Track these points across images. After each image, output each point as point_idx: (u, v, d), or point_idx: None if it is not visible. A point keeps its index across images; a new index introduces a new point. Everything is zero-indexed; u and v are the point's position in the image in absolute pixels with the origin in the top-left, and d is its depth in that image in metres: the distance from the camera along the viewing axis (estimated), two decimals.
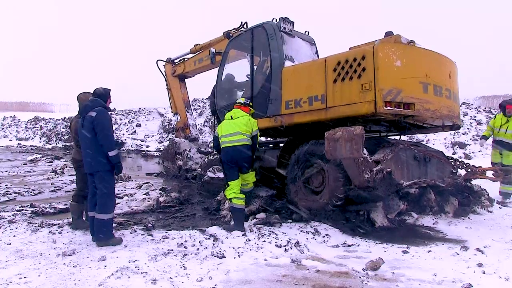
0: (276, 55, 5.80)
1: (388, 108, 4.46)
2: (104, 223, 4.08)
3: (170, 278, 3.23)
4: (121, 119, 28.16)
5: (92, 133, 4.11)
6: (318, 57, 6.70)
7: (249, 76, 6.50)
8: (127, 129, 26.36)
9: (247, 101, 5.24)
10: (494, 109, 20.70)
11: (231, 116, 4.99)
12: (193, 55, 9.63)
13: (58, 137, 26.72)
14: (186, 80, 10.76)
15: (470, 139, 16.09)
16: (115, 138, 4.44)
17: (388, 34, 5.23)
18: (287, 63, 5.81)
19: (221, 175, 6.70)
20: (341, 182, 4.79)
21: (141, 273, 3.32)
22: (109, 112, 4.39)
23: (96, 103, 4.26)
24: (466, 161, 5.89)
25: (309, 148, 5.24)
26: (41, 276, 3.25)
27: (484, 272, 3.31)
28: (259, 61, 6.44)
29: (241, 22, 7.85)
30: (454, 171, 5.69)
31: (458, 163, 5.60)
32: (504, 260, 3.65)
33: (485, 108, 21.12)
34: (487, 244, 4.11)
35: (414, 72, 4.68)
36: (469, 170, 5.31)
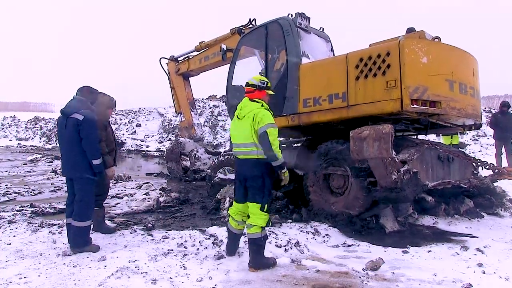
0: (292, 51, 5.63)
1: (415, 106, 4.32)
2: (80, 230, 3.84)
3: (170, 278, 3.23)
4: (121, 119, 28.15)
5: (76, 136, 3.85)
6: (334, 54, 6.54)
7: (262, 74, 6.33)
8: (127, 129, 26.34)
9: (263, 82, 3.71)
10: (494, 109, 20.70)
11: (238, 116, 3.67)
12: (198, 53, 9.51)
13: None
14: (190, 78, 10.62)
15: (470, 139, 16.09)
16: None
17: (410, 30, 5.06)
18: (304, 60, 5.63)
19: (232, 176, 6.55)
20: (360, 203, 4.67)
21: (141, 273, 3.32)
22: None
23: (83, 104, 3.99)
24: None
25: (343, 150, 4.89)
26: (41, 276, 3.25)
27: (484, 272, 3.32)
28: (271, 58, 6.25)
29: (249, 19, 7.70)
30: (475, 171, 5.56)
31: (483, 163, 5.41)
32: (504, 260, 3.66)
33: (485, 108, 21.12)
34: (487, 244, 4.11)
35: (440, 69, 4.56)
36: (496, 170, 5.16)
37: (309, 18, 6.03)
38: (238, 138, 3.63)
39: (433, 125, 5.19)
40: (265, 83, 3.71)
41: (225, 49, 7.01)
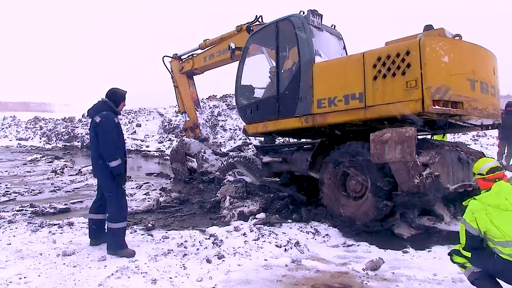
0: (305, 50, 5.43)
1: (436, 107, 4.14)
2: (114, 232, 3.84)
3: (170, 278, 3.23)
4: (121, 119, 28.12)
5: (96, 138, 3.89)
6: (346, 52, 6.37)
7: (271, 73, 6.17)
8: (127, 129, 26.30)
9: None
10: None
11: None
12: (203, 50, 9.36)
13: (58, 137, 26.70)
14: (194, 77, 10.46)
15: (470, 139, 16.09)
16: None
17: (428, 27, 4.91)
18: (317, 59, 5.41)
19: (244, 178, 6.29)
20: (368, 219, 4.57)
21: (141, 273, 3.32)
22: (118, 117, 4.09)
23: (104, 106, 3.99)
24: None
25: (371, 162, 4.53)
26: (41, 276, 3.25)
27: None
28: (282, 56, 6.04)
29: (256, 16, 7.54)
30: None
31: (507, 165, 5.27)
32: None
33: None
34: None
35: (462, 68, 4.39)
36: None
37: (321, 15, 5.83)
38: None
39: (450, 125, 4.98)
40: None
41: (233, 47, 6.77)
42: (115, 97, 4.09)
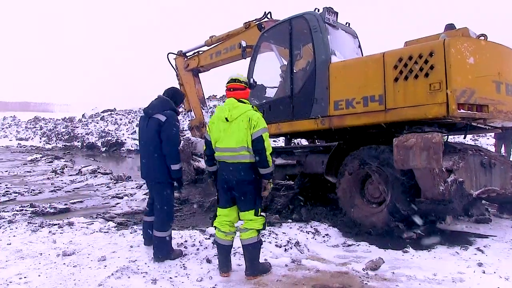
0: (321, 49, 5.21)
1: (461, 111, 3.98)
2: (163, 240, 3.65)
3: (170, 278, 3.23)
4: (121, 119, 28.17)
5: (157, 138, 3.63)
6: (362, 51, 6.18)
7: (284, 72, 6.04)
8: (127, 129, 26.35)
9: (249, 80, 3.71)
10: None
11: (227, 118, 3.31)
12: (209, 48, 9.26)
13: (58, 137, 26.73)
14: (200, 74, 10.34)
15: (470, 139, 16.10)
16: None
17: (450, 27, 4.73)
18: (333, 58, 5.22)
19: None
20: (372, 228, 4.51)
21: (141, 273, 3.32)
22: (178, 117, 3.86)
23: (167, 105, 3.76)
24: None
25: (398, 179, 4.41)
26: (41, 276, 3.26)
27: (484, 272, 3.32)
28: (295, 55, 5.84)
29: (265, 12, 7.23)
30: None
31: None
32: (504, 259, 3.65)
33: None
34: (487, 243, 4.11)
35: (487, 70, 4.23)
36: None
37: (337, 13, 5.61)
38: (227, 142, 3.31)
39: (471, 127, 4.79)
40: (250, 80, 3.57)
41: (244, 45, 6.48)
42: (176, 97, 3.92)
